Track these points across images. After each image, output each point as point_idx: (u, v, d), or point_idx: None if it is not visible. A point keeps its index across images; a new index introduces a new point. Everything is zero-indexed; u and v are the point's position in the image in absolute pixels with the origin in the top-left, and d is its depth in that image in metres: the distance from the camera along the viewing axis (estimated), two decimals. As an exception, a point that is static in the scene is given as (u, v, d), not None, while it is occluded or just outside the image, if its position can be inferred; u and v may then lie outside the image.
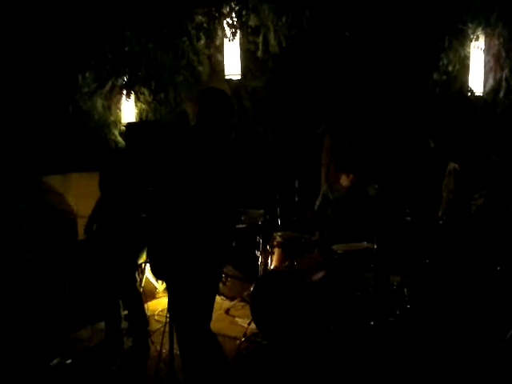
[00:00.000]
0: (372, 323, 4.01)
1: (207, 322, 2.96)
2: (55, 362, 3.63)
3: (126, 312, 3.91)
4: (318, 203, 4.96)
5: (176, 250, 2.85)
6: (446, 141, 5.20)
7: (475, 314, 3.91)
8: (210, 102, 2.93)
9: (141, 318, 3.79)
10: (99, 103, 4.77)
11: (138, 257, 3.86)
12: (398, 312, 4.10)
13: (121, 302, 3.81)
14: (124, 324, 3.88)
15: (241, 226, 4.72)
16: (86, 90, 4.66)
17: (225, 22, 4.62)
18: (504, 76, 5.37)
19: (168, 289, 3.00)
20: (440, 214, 4.15)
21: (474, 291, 3.98)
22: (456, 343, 3.75)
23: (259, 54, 4.89)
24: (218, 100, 2.94)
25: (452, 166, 4.53)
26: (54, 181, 4.44)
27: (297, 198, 4.87)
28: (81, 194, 4.45)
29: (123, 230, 3.66)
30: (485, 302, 3.91)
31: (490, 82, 5.38)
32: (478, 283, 3.99)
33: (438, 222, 4.13)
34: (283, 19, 4.82)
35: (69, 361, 3.64)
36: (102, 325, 4.00)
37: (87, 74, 4.67)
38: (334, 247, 4.41)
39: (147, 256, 3.50)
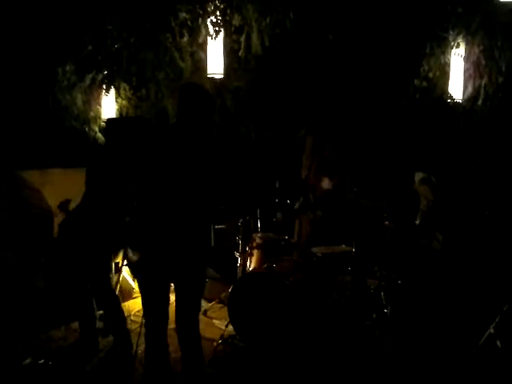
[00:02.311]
0: (349, 326, 4.03)
1: (192, 323, 2.96)
2: (27, 361, 3.55)
3: (100, 312, 3.85)
4: (297, 204, 4.96)
5: (159, 248, 2.83)
6: (421, 147, 5.27)
7: (452, 318, 3.97)
8: (189, 97, 2.91)
9: (118, 317, 3.73)
10: (79, 98, 4.68)
11: (113, 256, 3.81)
12: (374, 315, 4.14)
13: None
14: (99, 324, 3.82)
15: (220, 226, 4.69)
16: (65, 83, 4.57)
17: (209, 20, 4.59)
18: (483, 83, 5.47)
19: (144, 289, 2.96)
20: (418, 221, 4.19)
21: (451, 295, 4.04)
22: (432, 347, 3.80)
23: (241, 53, 4.87)
24: (197, 95, 2.92)
25: (421, 175, 4.56)
26: (31, 176, 4.34)
27: (277, 200, 4.85)
28: (58, 190, 4.36)
29: (103, 228, 3.59)
30: (461, 305, 3.97)
31: (469, 89, 5.48)
32: (454, 287, 4.05)
33: (417, 228, 4.17)
34: (267, 19, 4.82)
35: (41, 361, 3.57)
36: (76, 324, 3.94)
37: (67, 67, 4.58)
38: (313, 250, 4.42)
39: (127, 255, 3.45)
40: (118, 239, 3.66)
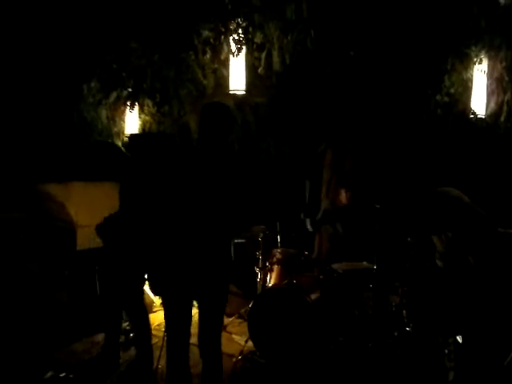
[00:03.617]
0: (370, 344, 3.98)
1: (215, 339, 2.98)
2: (49, 375, 3.58)
3: (123, 325, 3.88)
4: (319, 214, 4.94)
5: (184, 265, 2.85)
6: (443, 162, 5.23)
7: (475, 338, 3.89)
8: (210, 116, 2.95)
9: (145, 331, 3.74)
10: (103, 114, 4.79)
11: (146, 270, 3.83)
12: (396, 333, 4.08)
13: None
14: (121, 338, 3.84)
15: (240, 240, 4.70)
16: (90, 100, 4.68)
17: (231, 37, 4.67)
18: (506, 99, 5.42)
19: (168, 307, 2.98)
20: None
21: (475, 313, 3.96)
22: (455, 366, 3.72)
23: (260, 70, 4.92)
24: (218, 114, 2.95)
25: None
26: (55, 189, 4.42)
27: (298, 215, 4.86)
28: (81, 203, 4.42)
29: (139, 242, 3.62)
30: (486, 324, 3.88)
31: (492, 105, 5.43)
32: (478, 306, 3.97)
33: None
34: (288, 37, 4.87)
35: (63, 374, 3.59)
36: (98, 337, 3.97)
37: (92, 84, 4.69)
38: (334, 266, 4.39)
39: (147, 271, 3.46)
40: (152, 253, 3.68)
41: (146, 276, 3.89)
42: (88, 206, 4.39)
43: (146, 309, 3.83)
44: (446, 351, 3.63)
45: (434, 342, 3.75)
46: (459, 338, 3.57)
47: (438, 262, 3.68)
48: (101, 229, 3.71)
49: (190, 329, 2.98)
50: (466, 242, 3.53)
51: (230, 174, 2.94)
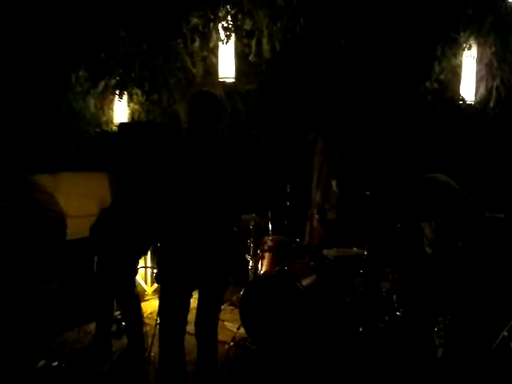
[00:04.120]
0: (361, 329, 4.02)
1: (213, 327, 3.01)
2: (41, 364, 3.58)
3: (114, 314, 3.88)
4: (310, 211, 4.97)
5: (187, 255, 2.86)
6: (432, 148, 5.25)
7: (465, 322, 3.93)
8: (199, 106, 2.94)
9: (137, 320, 3.75)
10: (92, 103, 4.73)
11: (139, 260, 3.83)
12: (387, 318, 4.12)
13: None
14: (113, 327, 3.85)
15: (232, 229, 4.70)
16: (78, 89, 4.62)
17: (220, 25, 4.62)
18: (495, 85, 5.44)
19: (169, 295, 2.98)
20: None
21: (464, 298, 4.00)
22: (445, 351, 3.77)
23: (251, 57, 4.89)
24: (206, 103, 2.95)
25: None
26: (44, 180, 4.36)
27: (288, 202, 4.86)
28: (71, 194, 4.40)
29: (133, 231, 3.61)
30: (475, 309, 3.93)
31: (482, 90, 5.45)
32: (467, 291, 4.01)
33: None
34: (278, 24, 4.84)
35: (55, 363, 3.60)
36: (90, 327, 3.97)
37: (80, 73, 4.63)
38: (325, 252, 4.42)
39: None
40: (147, 242, 3.67)
41: (137, 266, 3.90)
42: (77, 197, 4.36)
43: (137, 298, 3.83)
44: (436, 329, 3.67)
45: (424, 320, 3.79)
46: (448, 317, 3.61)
47: (427, 249, 3.72)
48: (94, 229, 3.72)
49: (186, 317, 2.99)
50: (455, 228, 3.56)
51: (221, 161, 2.94)
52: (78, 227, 4.22)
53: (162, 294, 3.01)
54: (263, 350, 3.93)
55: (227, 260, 2.96)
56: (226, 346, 3.90)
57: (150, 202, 3.20)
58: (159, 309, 2.99)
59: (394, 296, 4.16)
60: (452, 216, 3.56)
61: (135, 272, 3.92)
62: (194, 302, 3.02)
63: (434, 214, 3.60)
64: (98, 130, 4.72)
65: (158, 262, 3.00)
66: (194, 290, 3.02)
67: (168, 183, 2.89)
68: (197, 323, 3.02)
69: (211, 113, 2.93)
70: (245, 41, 4.89)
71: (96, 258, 3.98)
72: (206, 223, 2.84)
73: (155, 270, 3.32)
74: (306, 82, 5.48)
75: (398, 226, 4.28)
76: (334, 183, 4.82)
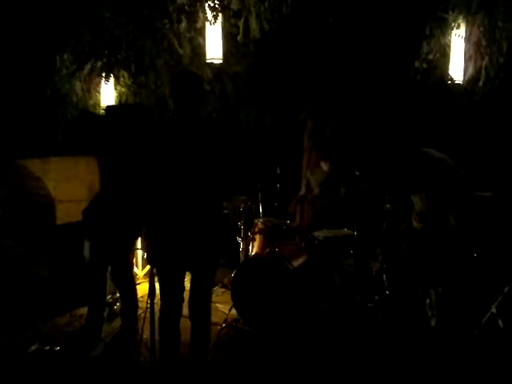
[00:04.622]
0: (351, 308, 4.06)
1: (206, 307, 3.03)
2: (33, 348, 3.59)
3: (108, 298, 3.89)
4: (301, 193, 4.96)
5: (177, 236, 2.86)
6: (422, 128, 5.25)
7: (453, 299, 3.98)
8: (179, 85, 2.92)
9: (132, 302, 3.77)
10: (78, 86, 4.67)
11: (135, 241, 3.82)
12: (376, 298, 4.16)
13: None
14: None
15: (224, 211, 4.69)
16: (64, 72, 4.55)
17: (206, 4, 4.55)
18: (484, 64, 5.42)
19: (163, 277, 2.99)
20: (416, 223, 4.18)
21: (452, 277, 4.05)
22: (434, 329, 3.82)
23: (239, 38, 4.84)
24: (186, 82, 2.91)
25: None
26: (32, 165, 4.35)
27: (279, 184, 4.86)
28: (59, 179, 4.37)
29: (124, 213, 3.59)
30: (463, 287, 3.98)
31: (470, 70, 5.43)
32: (455, 269, 4.06)
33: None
34: (265, 4, 4.78)
35: (47, 347, 3.61)
36: (80, 311, 3.97)
37: (65, 56, 4.56)
38: (315, 233, 4.44)
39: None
40: (139, 223, 3.65)
41: (134, 246, 3.89)
42: (66, 181, 4.34)
43: (134, 279, 3.84)
44: (428, 301, 3.71)
45: (415, 293, 3.83)
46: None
47: (415, 223, 3.73)
48: (87, 214, 3.69)
49: (182, 298, 3.02)
50: (447, 202, 3.57)
51: (206, 140, 2.92)
52: (67, 212, 4.23)
53: (157, 275, 3.03)
54: (255, 330, 3.96)
55: (215, 240, 2.96)
56: (218, 328, 3.93)
57: (137, 184, 3.19)
58: (160, 290, 3.00)
59: (384, 275, 4.20)
60: (446, 190, 3.56)
61: (132, 253, 3.92)
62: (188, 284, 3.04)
63: (427, 187, 3.60)
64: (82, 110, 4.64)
65: (147, 243, 3.00)
66: (185, 270, 3.02)
67: (154, 164, 2.88)
68: (190, 305, 3.04)
69: (193, 91, 2.90)
70: (232, 21, 4.83)
71: (86, 243, 3.97)
72: (192, 203, 2.84)
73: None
74: (295, 63, 5.44)
75: (387, 206, 4.31)
76: (323, 163, 4.83)
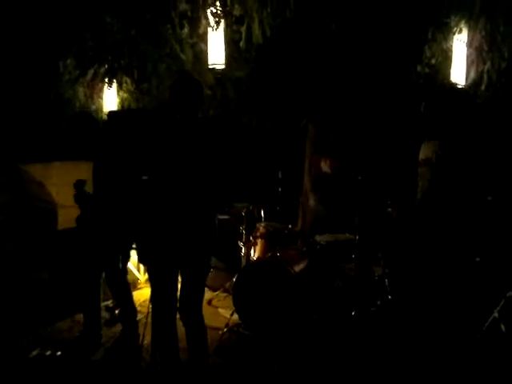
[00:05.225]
0: (353, 313, 4.04)
1: (197, 309, 3.00)
2: (34, 353, 3.59)
3: (106, 303, 3.88)
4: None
5: (168, 236, 2.86)
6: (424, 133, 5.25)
7: (456, 304, 3.97)
8: (178, 89, 2.92)
9: (130, 307, 3.76)
10: (81, 91, 4.70)
11: (130, 247, 3.82)
12: (379, 302, 4.14)
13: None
14: (106, 314, 3.85)
15: (224, 217, 4.69)
16: (67, 77, 4.59)
17: (209, 10, 4.58)
18: (486, 69, 5.42)
19: (153, 276, 2.98)
20: (416, 203, 4.16)
21: (455, 282, 4.03)
22: (436, 333, 3.80)
23: (242, 44, 4.86)
24: (185, 87, 2.92)
25: (424, 155, 4.41)
26: (34, 169, 4.37)
27: (280, 189, 4.86)
28: (61, 183, 4.38)
29: (117, 219, 3.60)
30: (465, 292, 3.97)
31: (472, 74, 5.43)
32: (458, 274, 4.04)
33: (416, 213, 4.14)
34: (267, 9, 4.80)
35: (48, 352, 3.60)
36: (81, 316, 3.96)
37: (68, 62, 4.59)
38: (317, 238, 4.43)
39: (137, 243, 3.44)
40: (133, 230, 3.66)
41: (128, 254, 3.89)
42: (69, 186, 4.33)
43: (128, 284, 3.84)
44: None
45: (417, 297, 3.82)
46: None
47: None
48: (80, 220, 3.70)
49: (176, 299, 2.99)
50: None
51: (206, 141, 2.93)
52: (68, 217, 4.23)
53: (148, 274, 3.03)
54: (257, 335, 3.94)
55: (206, 240, 2.95)
56: (220, 332, 3.91)
57: (131, 187, 3.19)
58: (152, 289, 3.00)
59: (386, 280, 4.18)
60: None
61: (127, 260, 3.91)
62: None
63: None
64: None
65: (138, 242, 3.00)
66: (176, 269, 3.00)
67: (150, 164, 2.89)
68: (180, 308, 3.01)
69: (192, 96, 2.91)
70: (234, 27, 4.85)
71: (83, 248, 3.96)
72: (185, 201, 2.84)
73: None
74: (297, 69, 5.45)
75: (389, 210, 4.30)
76: (324, 162, 4.80)
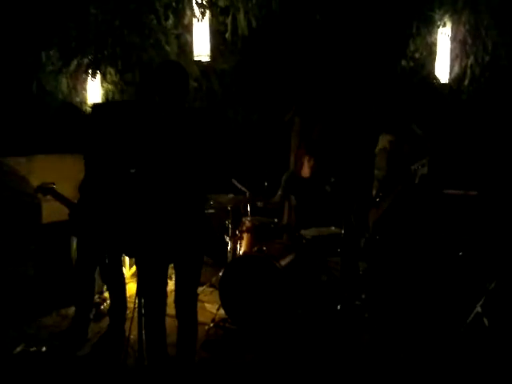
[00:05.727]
0: (339, 307, 4.08)
1: (192, 304, 3.02)
2: (19, 349, 3.56)
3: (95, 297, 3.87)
4: (279, 192, 4.97)
5: (158, 230, 2.85)
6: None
7: (440, 298, 4.03)
8: (161, 76, 2.85)
9: (122, 302, 3.75)
10: (64, 83, 4.61)
11: (122, 240, 3.79)
12: (363, 296, 4.19)
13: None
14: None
15: (210, 211, 4.68)
16: (50, 68, 4.49)
17: (194, 1, 4.52)
18: (469, 63, 5.47)
19: (143, 270, 2.96)
20: (374, 192, 4.18)
21: (438, 275, 4.10)
22: (420, 327, 3.87)
23: (227, 35, 4.81)
24: (169, 72, 2.86)
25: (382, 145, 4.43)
26: (17, 163, 4.29)
27: (266, 183, 4.86)
28: (45, 177, 4.31)
29: (109, 213, 3.56)
30: (449, 284, 4.03)
31: (456, 69, 5.47)
32: (440, 266, 4.11)
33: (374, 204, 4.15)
34: (253, 0, 4.76)
35: (33, 348, 3.57)
36: (68, 311, 3.93)
37: (51, 52, 4.50)
38: (302, 232, 4.45)
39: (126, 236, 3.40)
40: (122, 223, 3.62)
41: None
42: (52, 180, 4.27)
43: (124, 278, 3.82)
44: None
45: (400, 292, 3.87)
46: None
47: None
48: (73, 213, 3.65)
49: (165, 294, 2.98)
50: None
51: (192, 131, 2.90)
52: (53, 211, 4.18)
53: (137, 268, 3.01)
54: (243, 329, 3.96)
55: (197, 232, 2.93)
56: (206, 327, 3.93)
57: (121, 179, 3.16)
58: (140, 283, 2.96)
59: (371, 274, 4.23)
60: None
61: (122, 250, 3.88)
62: (173, 284, 3.03)
63: None
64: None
65: (126, 235, 2.98)
66: (166, 263, 2.99)
67: (139, 156, 2.86)
68: (176, 303, 3.02)
69: (177, 82, 2.84)
70: (220, 18, 4.80)
71: (74, 243, 3.93)
72: (174, 193, 2.83)
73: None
74: (283, 61, 5.43)
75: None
76: (307, 160, 4.82)
